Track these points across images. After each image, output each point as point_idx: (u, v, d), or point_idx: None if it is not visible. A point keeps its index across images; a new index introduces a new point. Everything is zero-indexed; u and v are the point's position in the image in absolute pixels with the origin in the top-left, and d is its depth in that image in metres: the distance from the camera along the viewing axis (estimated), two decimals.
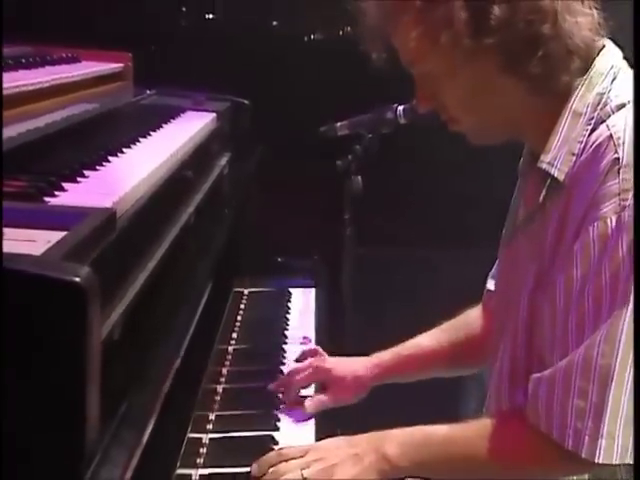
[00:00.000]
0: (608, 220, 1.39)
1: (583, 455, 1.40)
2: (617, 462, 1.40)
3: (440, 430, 1.56)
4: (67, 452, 0.97)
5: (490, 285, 1.88)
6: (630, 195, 1.38)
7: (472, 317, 1.94)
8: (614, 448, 1.39)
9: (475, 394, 2.83)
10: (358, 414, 1.92)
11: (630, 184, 1.39)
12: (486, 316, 1.89)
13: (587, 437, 1.40)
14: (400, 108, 2.39)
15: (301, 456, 1.54)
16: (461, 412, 3.10)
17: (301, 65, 3.54)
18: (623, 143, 1.42)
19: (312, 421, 1.80)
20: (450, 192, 3.43)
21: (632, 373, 1.38)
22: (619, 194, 1.39)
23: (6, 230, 1.11)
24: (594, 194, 1.42)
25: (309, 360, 1.95)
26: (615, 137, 1.43)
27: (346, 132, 2.49)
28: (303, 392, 1.88)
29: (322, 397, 1.87)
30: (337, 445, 1.59)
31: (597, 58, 1.53)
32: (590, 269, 1.41)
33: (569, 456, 1.43)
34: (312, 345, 2.12)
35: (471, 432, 1.55)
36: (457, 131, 1.60)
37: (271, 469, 1.52)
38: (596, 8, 1.51)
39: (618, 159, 1.41)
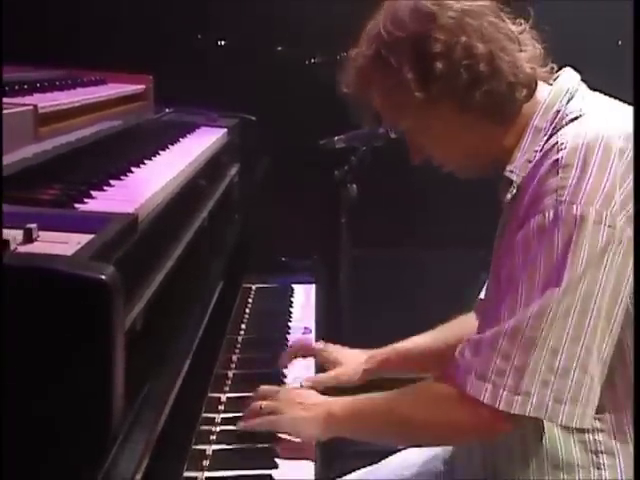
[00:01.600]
0: (546, 213, 1.41)
1: (500, 407, 1.40)
2: (531, 414, 1.39)
3: (381, 395, 1.58)
4: (95, 430, 0.97)
5: (482, 295, 1.85)
6: (566, 192, 1.39)
7: (466, 321, 1.90)
8: (529, 403, 1.39)
9: None
10: None
11: (567, 182, 1.40)
12: (479, 320, 1.85)
13: (504, 391, 1.40)
14: None
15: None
16: None
17: (302, 85, 3.55)
18: (564, 148, 1.43)
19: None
20: (436, 198, 3.43)
21: (552, 343, 1.39)
22: (557, 190, 1.41)
23: (41, 233, 1.12)
24: (536, 191, 1.44)
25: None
26: (559, 143, 1.45)
27: (343, 145, 2.49)
28: (302, 374, 1.88)
29: (319, 375, 1.88)
30: (298, 392, 1.69)
31: (555, 82, 1.57)
32: (529, 256, 1.42)
33: (486, 410, 1.42)
34: (312, 335, 2.13)
35: (403, 392, 1.57)
36: (449, 172, 1.65)
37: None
38: (537, 41, 1.56)
39: (557, 160, 1.43)
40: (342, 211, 2.56)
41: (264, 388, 1.68)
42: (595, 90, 1.60)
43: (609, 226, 1.39)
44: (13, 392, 0.95)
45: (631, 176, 1.43)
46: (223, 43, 3.65)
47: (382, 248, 3.45)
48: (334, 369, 1.88)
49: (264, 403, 1.61)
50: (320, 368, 1.92)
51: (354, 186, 2.52)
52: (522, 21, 1.58)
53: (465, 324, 1.89)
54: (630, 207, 1.41)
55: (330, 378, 1.86)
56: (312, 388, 1.77)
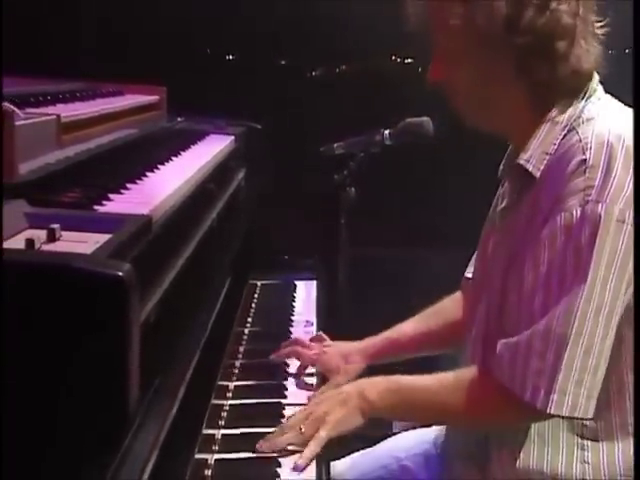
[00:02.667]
0: (574, 211, 1.38)
1: (538, 406, 1.39)
2: (566, 415, 1.39)
3: (415, 380, 1.56)
4: (113, 416, 0.98)
5: (468, 273, 1.86)
6: (593, 191, 1.37)
7: (448, 305, 1.91)
8: (564, 403, 1.38)
9: None
10: None
11: (594, 182, 1.38)
12: (465, 300, 1.87)
13: (543, 391, 1.39)
14: (386, 132, 2.39)
15: (300, 413, 1.55)
16: None
17: (304, 96, 3.54)
18: (590, 148, 1.41)
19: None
20: (430, 201, 3.43)
21: (585, 342, 1.37)
22: (584, 190, 1.38)
23: (63, 233, 1.12)
24: (562, 189, 1.41)
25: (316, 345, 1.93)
26: (584, 142, 1.42)
27: (342, 151, 2.48)
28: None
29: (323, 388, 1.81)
30: (328, 395, 1.60)
31: None
32: (556, 253, 1.40)
33: (526, 407, 1.42)
34: (313, 327, 2.12)
35: (443, 384, 1.54)
36: (453, 108, 1.56)
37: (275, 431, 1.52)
38: (602, 44, 1.50)
39: (585, 160, 1.40)
40: (341, 213, 2.56)
41: (294, 418, 1.56)
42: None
43: (631, 224, 1.37)
44: (37, 381, 0.95)
45: None
46: (231, 57, 3.65)
47: (378, 247, 3.45)
48: (333, 375, 1.83)
49: (302, 428, 1.51)
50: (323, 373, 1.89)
51: (352, 189, 2.51)
52: (602, 20, 1.52)
53: (446, 307, 1.91)
54: None
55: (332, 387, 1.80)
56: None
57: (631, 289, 1.40)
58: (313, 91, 3.59)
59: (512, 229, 1.54)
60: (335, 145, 2.48)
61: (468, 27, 1.46)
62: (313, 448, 1.47)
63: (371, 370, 1.86)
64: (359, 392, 1.55)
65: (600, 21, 1.51)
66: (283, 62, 3.67)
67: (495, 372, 1.46)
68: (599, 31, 1.50)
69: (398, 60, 3.35)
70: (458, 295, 1.91)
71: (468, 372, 1.55)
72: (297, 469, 1.44)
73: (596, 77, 1.54)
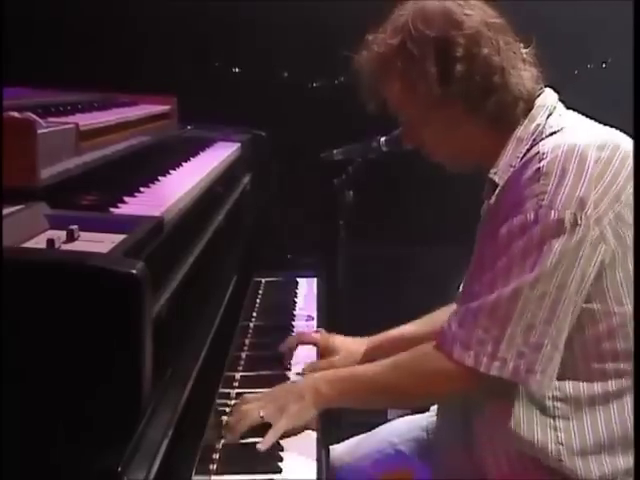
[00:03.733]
0: (528, 214, 1.42)
1: (481, 370, 1.43)
2: (508, 377, 1.42)
3: (367, 366, 1.59)
4: (127, 404, 0.98)
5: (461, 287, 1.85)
6: (546, 197, 1.40)
7: (446, 313, 1.89)
8: (505, 368, 1.42)
9: None
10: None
11: (547, 188, 1.41)
12: None
13: (485, 357, 1.43)
14: (382, 139, 2.38)
15: (260, 400, 1.55)
16: None
17: (305, 106, 3.54)
18: (546, 157, 1.44)
19: None
20: (423, 202, 3.43)
21: (528, 321, 1.41)
22: (538, 195, 1.42)
23: (82, 233, 1.13)
24: (520, 194, 1.45)
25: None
26: (541, 153, 1.46)
27: (341, 157, 2.48)
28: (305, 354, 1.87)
29: (316, 361, 1.85)
30: (286, 388, 1.61)
31: (537, 99, 1.57)
32: (509, 249, 1.43)
33: (469, 372, 1.45)
34: (314, 322, 2.12)
35: (395, 364, 1.56)
36: (436, 161, 1.63)
37: (235, 411, 1.53)
38: (536, 65, 1.56)
39: (539, 169, 1.43)
40: (340, 214, 2.56)
41: (249, 400, 1.57)
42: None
43: (584, 226, 1.40)
44: (56, 370, 0.95)
45: (605, 178, 1.44)
46: (237, 70, 3.65)
47: (375, 246, 3.44)
48: (330, 356, 1.87)
49: (261, 413, 1.52)
50: (321, 354, 1.91)
51: (350, 192, 2.51)
52: (527, 45, 1.57)
53: (443, 316, 1.89)
54: (601, 208, 1.42)
55: (326, 363, 1.84)
56: (312, 371, 1.75)
57: (588, 279, 1.43)
58: (314, 101, 3.59)
59: (481, 237, 1.60)
60: (334, 151, 2.48)
61: (412, 95, 1.54)
62: (270, 438, 1.47)
63: None
64: (313, 385, 1.57)
65: (527, 46, 1.56)
66: (285, 74, 3.67)
67: (441, 341, 1.49)
68: (527, 56, 1.56)
69: None
70: (454, 306, 1.90)
71: (409, 351, 1.57)
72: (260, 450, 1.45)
73: (555, 95, 1.59)
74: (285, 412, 1.52)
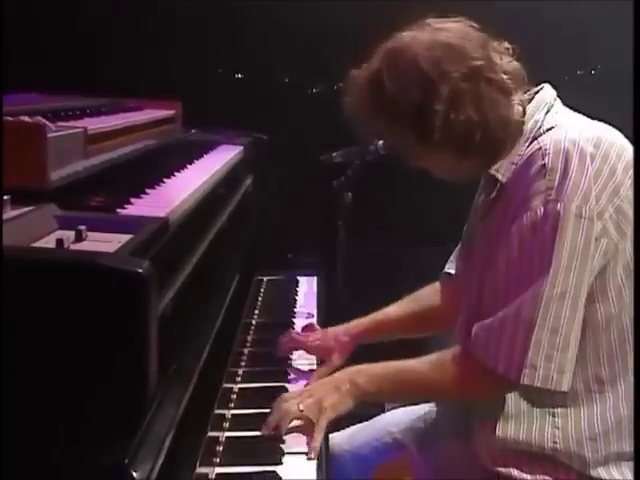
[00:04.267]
0: (537, 210, 1.41)
1: (512, 378, 1.42)
2: (539, 385, 1.41)
3: (401, 363, 1.56)
4: (133, 399, 0.98)
5: (448, 269, 1.87)
6: (553, 192, 1.40)
7: (427, 292, 1.92)
8: (535, 375, 1.40)
9: None
10: None
11: (553, 183, 1.41)
12: (444, 292, 1.88)
13: (515, 365, 1.41)
14: (380, 142, 2.38)
15: (298, 396, 1.54)
16: None
17: (306, 110, 3.55)
18: (549, 154, 1.43)
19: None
20: (420, 204, 3.43)
21: (552, 323, 1.39)
22: (545, 191, 1.41)
23: (90, 233, 1.13)
24: (527, 191, 1.44)
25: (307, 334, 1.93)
26: (543, 149, 1.45)
27: (340, 160, 2.48)
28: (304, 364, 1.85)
29: (318, 369, 1.81)
30: (322, 382, 1.60)
31: (535, 96, 1.56)
32: (524, 247, 1.43)
33: (501, 379, 1.44)
34: (314, 319, 2.13)
35: (427, 364, 1.55)
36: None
37: (275, 409, 1.52)
38: (523, 79, 1.54)
39: (544, 165, 1.43)
40: (339, 215, 2.56)
41: (287, 397, 1.55)
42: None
43: (589, 219, 1.39)
44: (64, 366, 0.95)
45: (604, 173, 1.43)
46: (240, 76, 3.65)
47: (373, 246, 3.45)
48: (327, 360, 1.83)
49: (301, 407, 1.50)
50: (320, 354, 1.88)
51: (349, 194, 2.51)
52: (510, 48, 1.54)
53: (427, 294, 1.92)
54: (602, 202, 1.42)
55: (327, 369, 1.79)
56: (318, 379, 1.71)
57: (595, 271, 1.42)
58: (313, 105, 3.59)
59: (488, 230, 1.58)
60: (334, 154, 2.48)
61: (400, 146, 1.55)
62: (318, 437, 1.46)
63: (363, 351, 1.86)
64: (350, 378, 1.55)
65: (509, 53, 1.53)
66: (286, 80, 3.68)
67: (472, 349, 1.48)
68: (512, 78, 1.50)
69: None
70: (437, 285, 1.92)
71: (448, 352, 1.56)
72: (312, 458, 1.42)
73: (553, 92, 1.58)
74: (323, 405, 1.50)
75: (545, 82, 1.60)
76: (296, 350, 1.88)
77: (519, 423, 1.53)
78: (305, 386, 1.67)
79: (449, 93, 1.44)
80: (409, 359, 1.57)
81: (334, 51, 3.33)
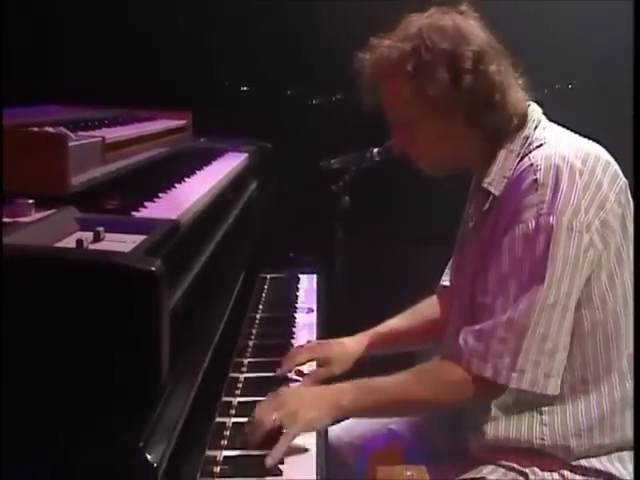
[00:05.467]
0: (529, 223, 1.39)
1: (500, 382, 1.39)
2: (526, 388, 1.39)
3: (382, 380, 1.46)
4: (147, 387, 0.98)
5: (443, 282, 1.84)
6: (544, 205, 1.38)
7: (426, 305, 1.88)
8: (523, 379, 1.38)
9: None
10: None
11: (544, 197, 1.39)
12: (441, 304, 1.85)
13: (504, 369, 1.38)
14: (375, 150, 2.39)
15: (276, 405, 1.40)
16: None
17: (306, 120, 3.55)
18: (540, 169, 1.42)
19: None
20: (413, 207, 3.44)
21: (542, 330, 1.37)
22: (537, 204, 1.39)
23: (107, 234, 1.13)
24: (519, 204, 1.42)
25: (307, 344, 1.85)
26: (535, 165, 1.43)
27: (338, 166, 2.48)
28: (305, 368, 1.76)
29: (316, 370, 1.74)
30: (304, 394, 1.48)
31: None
32: (515, 258, 1.40)
33: (488, 383, 1.40)
34: (314, 313, 2.12)
35: (407, 378, 1.46)
36: (419, 167, 1.58)
37: (250, 421, 1.40)
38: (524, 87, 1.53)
39: (536, 180, 1.41)
40: (337, 217, 2.56)
41: (263, 407, 1.40)
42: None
43: (579, 232, 1.38)
44: (84, 356, 0.96)
45: (591, 187, 1.42)
46: (245, 89, 3.66)
47: (369, 246, 3.45)
48: (327, 365, 1.75)
49: (275, 415, 1.36)
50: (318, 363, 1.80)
51: (347, 197, 2.52)
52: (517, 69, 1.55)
53: (426, 307, 1.88)
54: (589, 215, 1.40)
55: (325, 372, 1.72)
56: (313, 382, 1.65)
57: (583, 280, 1.40)
58: (313, 116, 3.60)
59: (480, 241, 1.55)
60: (332, 161, 2.48)
61: (419, 98, 1.47)
62: (282, 446, 1.33)
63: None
64: (332, 397, 1.43)
65: (520, 73, 1.53)
66: (288, 92, 3.68)
67: (461, 354, 1.43)
68: (520, 80, 1.53)
69: None
70: (435, 297, 1.89)
71: (428, 364, 1.50)
72: (269, 463, 1.30)
73: (539, 109, 1.56)
74: (300, 417, 1.37)
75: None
76: (298, 365, 1.75)
77: (509, 423, 1.52)
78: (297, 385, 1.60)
79: (481, 49, 1.46)
80: (390, 374, 1.48)
81: (332, 66, 3.34)
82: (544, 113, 1.58)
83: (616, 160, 1.52)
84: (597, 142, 1.55)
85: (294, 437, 1.36)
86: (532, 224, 1.38)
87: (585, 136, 1.55)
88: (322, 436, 1.44)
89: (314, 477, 1.30)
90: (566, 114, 1.58)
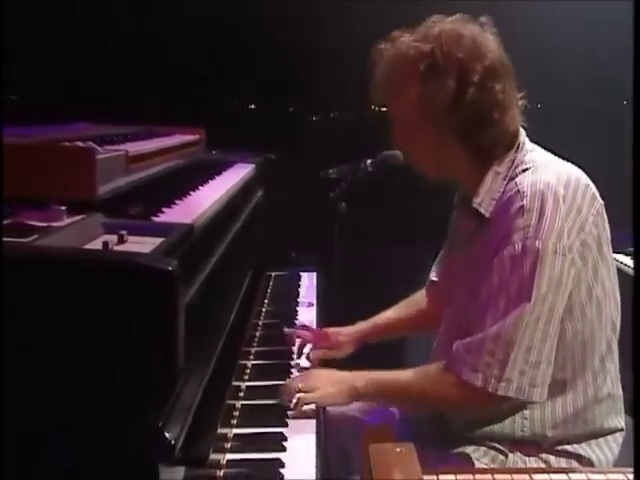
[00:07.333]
0: (516, 245, 1.37)
1: (489, 390, 1.38)
2: (512, 395, 1.38)
3: (394, 375, 1.50)
4: (165, 374, 0.99)
5: (432, 276, 1.83)
6: (530, 229, 1.36)
7: (417, 297, 1.89)
8: (510, 387, 1.38)
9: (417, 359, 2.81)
10: None
11: (530, 222, 1.36)
12: (429, 297, 1.85)
13: (492, 379, 1.38)
14: (369, 161, 2.37)
15: (304, 377, 1.53)
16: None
17: (307, 135, 3.55)
18: (526, 196, 1.39)
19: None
20: (404, 212, 3.44)
21: (527, 343, 1.35)
22: (523, 228, 1.37)
23: (129, 237, 1.13)
24: (507, 228, 1.39)
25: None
26: (521, 191, 1.40)
27: (335, 176, 2.47)
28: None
29: (318, 351, 1.79)
30: (328, 376, 1.53)
31: None
32: (504, 278, 1.38)
33: (478, 392, 1.39)
34: (314, 307, 2.12)
35: (413, 379, 1.48)
36: (416, 169, 1.54)
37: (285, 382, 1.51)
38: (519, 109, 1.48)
39: (523, 206, 1.38)
40: (335, 221, 2.56)
41: (293, 378, 1.56)
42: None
43: (563, 255, 1.36)
44: (107, 347, 0.96)
45: (572, 211, 1.39)
46: (253, 107, 3.67)
47: (363, 246, 3.45)
48: (329, 352, 1.81)
49: (301, 384, 1.48)
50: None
51: (343, 204, 2.51)
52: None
53: (418, 299, 1.88)
54: (572, 238, 1.38)
55: (324, 354, 1.79)
56: (316, 359, 1.72)
57: (565, 297, 1.39)
58: (313, 130, 3.60)
59: (471, 259, 1.52)
60: (330, 171, 2.47)
61: (423, 100, 1.42)
62: (301, 401, 1.45)
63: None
64: (350, 379, 1.49)
65: (521, 94, 1.49)
66: (291, 109, 3.69)
67: (453, 365, 1.43)
68: (520, 102, 1.49)
69: (377, 109, 3.38)
70: (424, 291, 1.88)
71: (433, 368, 1.49)
72: (285, 404, 1.45)
73: (523, 132, 1.52)
74: (319, 391, 1.47)
75: None
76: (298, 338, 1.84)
77: (493, 416, 1.50)
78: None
79: (492, 66, 1.39)
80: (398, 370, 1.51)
81: (330, 87, 3.35)
82: (528, 135, 1.53)
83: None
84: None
85: (310, 403, 1.46)
86: (519, 246, 1.36)
87: (565, 158, 1.51)
88: (322, 436, 1.44)
89: (314, 477, 1.30)
90: (541, 133, 1.54)
